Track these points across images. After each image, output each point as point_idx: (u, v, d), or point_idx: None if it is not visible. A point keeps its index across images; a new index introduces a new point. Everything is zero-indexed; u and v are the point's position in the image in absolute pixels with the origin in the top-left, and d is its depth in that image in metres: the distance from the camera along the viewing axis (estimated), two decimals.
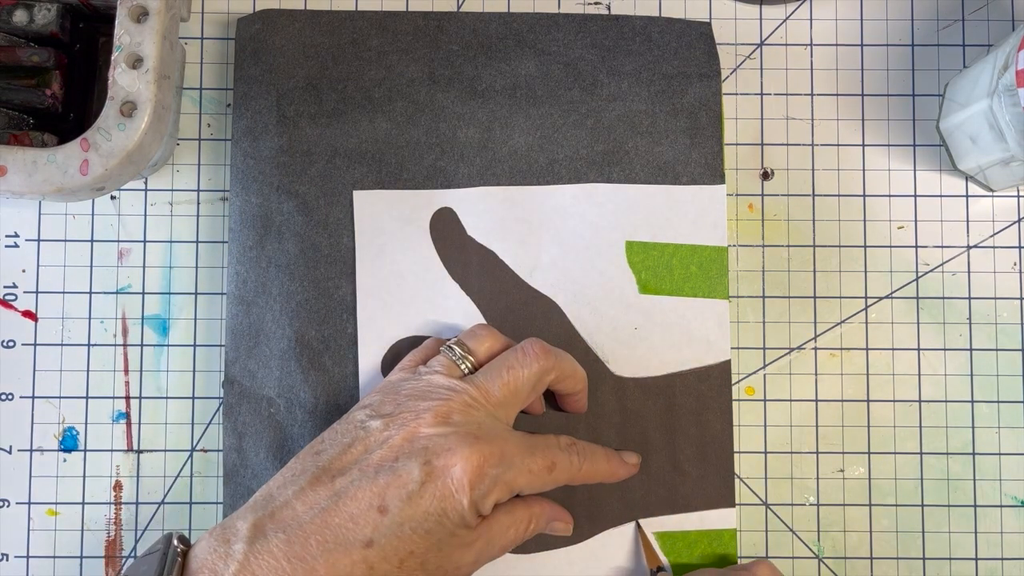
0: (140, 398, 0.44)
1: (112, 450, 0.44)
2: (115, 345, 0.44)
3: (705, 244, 0.44)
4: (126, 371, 0.44)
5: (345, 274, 0.44)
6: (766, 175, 0.45)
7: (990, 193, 0.45)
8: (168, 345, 0.45)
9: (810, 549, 0.44)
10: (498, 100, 0.44)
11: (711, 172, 0.44)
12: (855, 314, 0.45)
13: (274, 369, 0.43)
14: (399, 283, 0.44)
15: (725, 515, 0.43)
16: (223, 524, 0.35)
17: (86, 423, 0.44)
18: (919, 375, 0.44)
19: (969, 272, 0.45)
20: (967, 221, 0.45)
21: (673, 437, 0.43)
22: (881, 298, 0.45)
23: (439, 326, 0.43)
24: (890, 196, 0.45)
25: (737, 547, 0.43)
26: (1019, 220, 0.45)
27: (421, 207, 0.44)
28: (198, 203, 0.45)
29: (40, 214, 0.45)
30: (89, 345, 0.44)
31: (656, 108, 0.44)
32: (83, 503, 0.44)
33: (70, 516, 0.44)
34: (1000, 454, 0.44)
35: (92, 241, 0.45)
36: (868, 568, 0.44)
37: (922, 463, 0.44)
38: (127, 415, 0.44)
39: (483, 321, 0.43)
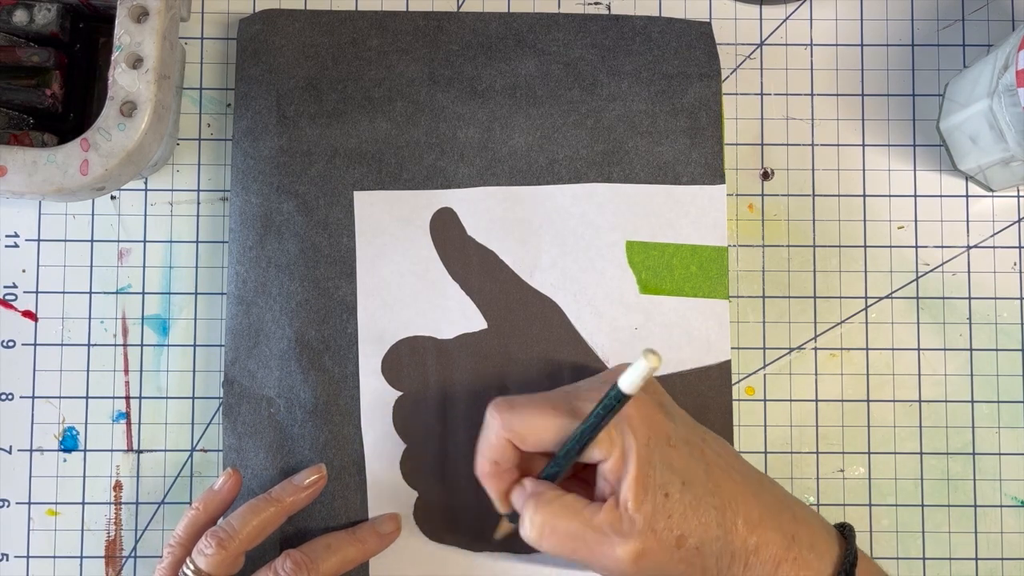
0: (140, 398, 0.44)
1: (112, 450, 0.44)
2: (115, 345, 0.44)
3: (705, 244, 0.44)
4: (126, 371, 0.44)
5: (345, 274, 0.43)
6: (766, 175, 0.45)
7: (990, 193, 0.45)
8: (168, 345, 0.45)
9: None
10: (498, 100, 0.44)
11: (711, 172, 0.44)
12: (855, 314, 0.45)
13: (274, 369, 0.43)
14: (399, 283, 0.44)
15: None
16: None
17: (86, 423, 0.44)
18: (919, 375, 0.44)
19: (969, 272, 0.45)
20: (967, 221, 0.45)
21: None
22: (881, 298, 0.45)
23: (439, 326, 0.43)
24: (890, 196, 0.45)
25: None
26: (1019, 220, 0.45)
27: (421, 207, 0.44)
28: (198, 203, 0.45)
29: (40, 214, 0.45)
30: (89, 345, 0.44)
31: (656, 108, 0.44)
32: (83, 503, 0.44)
33: (70, 516, 0.44)
34: (1000, 454, 0.44)
35: (92, 241, 0.45)
36: None
37: (922, 463, 0.44)
38: (127, 415, 0.44)
39: (484, 322, 0.43)
